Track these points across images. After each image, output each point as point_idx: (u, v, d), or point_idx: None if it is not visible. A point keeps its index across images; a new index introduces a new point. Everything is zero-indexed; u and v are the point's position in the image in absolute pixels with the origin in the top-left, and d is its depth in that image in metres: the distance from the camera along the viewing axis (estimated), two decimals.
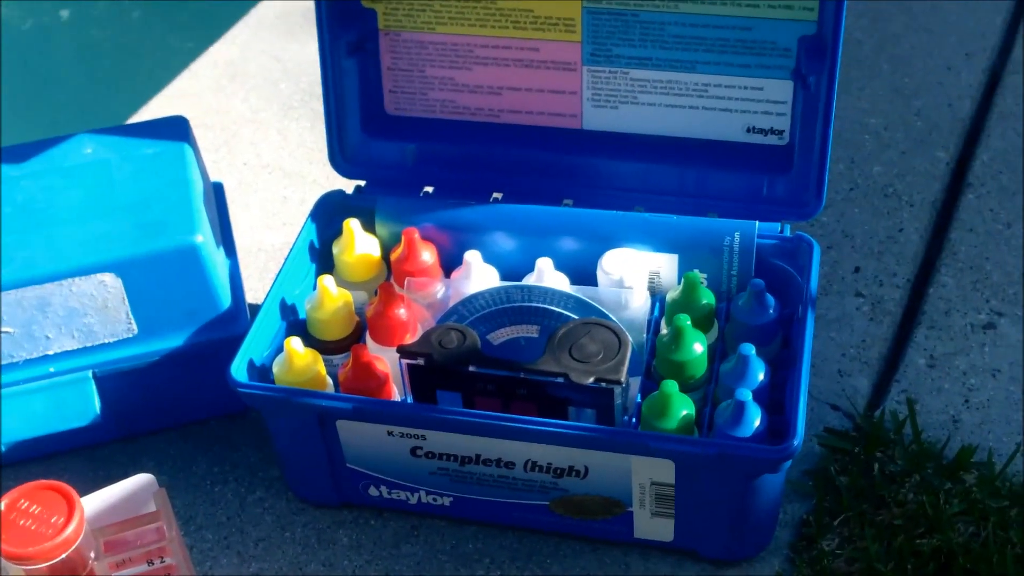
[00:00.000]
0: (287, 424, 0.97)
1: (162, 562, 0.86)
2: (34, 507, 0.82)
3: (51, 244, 0.99)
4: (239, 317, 1.03)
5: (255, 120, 1.45)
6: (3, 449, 1.06)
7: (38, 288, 0.97)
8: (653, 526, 0.96)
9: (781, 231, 1.03)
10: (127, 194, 1.03)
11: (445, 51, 1.08)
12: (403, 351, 0.92)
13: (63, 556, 0.81)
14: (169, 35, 2.03)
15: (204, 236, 0.99)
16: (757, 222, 1.02)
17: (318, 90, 1.44)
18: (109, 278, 0.98)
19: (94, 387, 1.02)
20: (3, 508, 0.82)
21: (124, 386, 1.03)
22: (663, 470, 0.91)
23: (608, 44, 1.05)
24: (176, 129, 1.10)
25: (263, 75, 1.52)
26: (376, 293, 1.04)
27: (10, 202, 1.03)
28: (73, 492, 0.82)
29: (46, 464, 1.07)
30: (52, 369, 1.01)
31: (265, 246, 1.27)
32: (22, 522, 0.81)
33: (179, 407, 1.08)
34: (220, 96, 1.48)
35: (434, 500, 0.99)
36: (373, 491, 1.00)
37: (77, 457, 1.07)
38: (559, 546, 0.99)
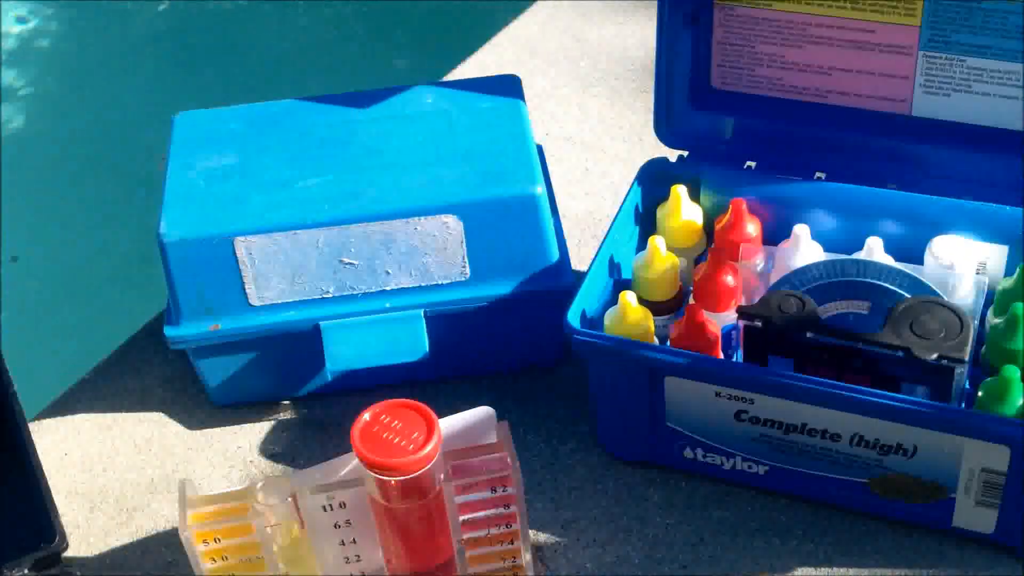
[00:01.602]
0: (613, 377, 0.99)
1: (504, 491, 0.89)
2: (395, 422, 0.85)
3: (398, 184, 1.03)
4: (565, 271, 1.06)
5: (555, 95, 1.48)
6: (329, 377, 1.10)
7: (385, 224, 1.01)
8: (974, 516, 0.95)
9: None
10: (467, 143, 1.07)
11: (778, 28, 1.09)
12: (742, 312, 0.93)
13: (420, 472, 0.84)
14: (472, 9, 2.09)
15: (542, 188, 1.02)
16: None
17: (617, 69, 1.48)
18: (451, 220, 1.02)
19: (424, 326, 1.05)
20: (367, 419, 0.86)
21: (450, 328, 1.07)
22: (997, 456, 0.90)
23: (948, 30, 1.04)
24: (510, 86, 1.14)
25: (563, 52, 1.55)
26: (694, 261, 1.06)
27: (357, 143, 1.07)
28: (432, 413, 0.86)
29: (367, 396, 1.11)
30: (388, 304, 1.05)
31: (568, 213, 1.30)
32: (384, 435, 0.85)
33: (496, 355, 1.11)
34: (521, 70, 1.51)
35: (749, 467, 1.00)
36: (688, 453, 1.01)
37: (395, 394, 1.10)
38: (871, 526, 0.99)
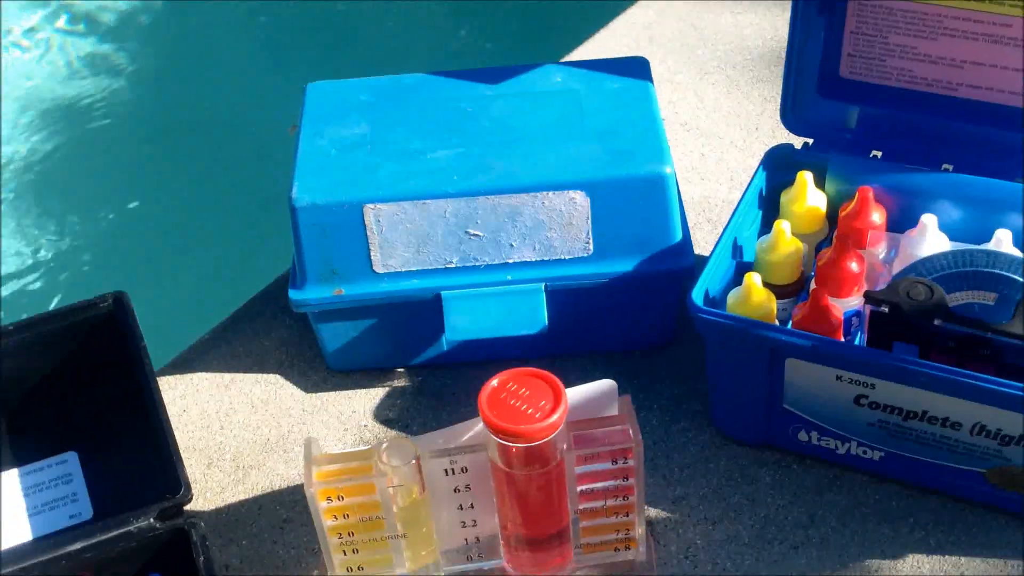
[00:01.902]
0: (733, 356, 0.99)
1: (624, 463, 0.90)
2: (523, 390, 0.87)
3: (527, 159, 1.04)
4: (687, 251, 1.07)
5: (672, 81, 1.49)
6: (445, 348, 1.11)
7: (513, 197, 1.03)
8: None
9: None
10: (596, 122, 1.08)
11: (912, 19, 1.09)
12: (870, 297, 0.93)
13: (544, 440, 0.86)
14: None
15: (671, 168, 1.03)
16: None
17: (734, 58, 1.48)
18: (579, 196, 1.02)
19: (544, 299, 1.06)
20: (495, 385, 0.87)
21: (568, 303, 1.08)
22: None
23: None
24: (638, 68, 1.14)
25: (680, 40, 1.55)
26: (815, 248, 1.06)
27: (486, 118, 1.09)
28: (560, 383, 0.87)
29: (480, 369, 1.12)
30: (509, 277, 1.06)
31: (684, 198, 1.30)
32: (511, 402, 0.86)
33: (611, 333, 1.12)
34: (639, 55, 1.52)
35: (863, 453, 1.00)
36: (803, 436, 1.02)
37: (508, 368, 1.11)
38: (984, 517, 0.99)
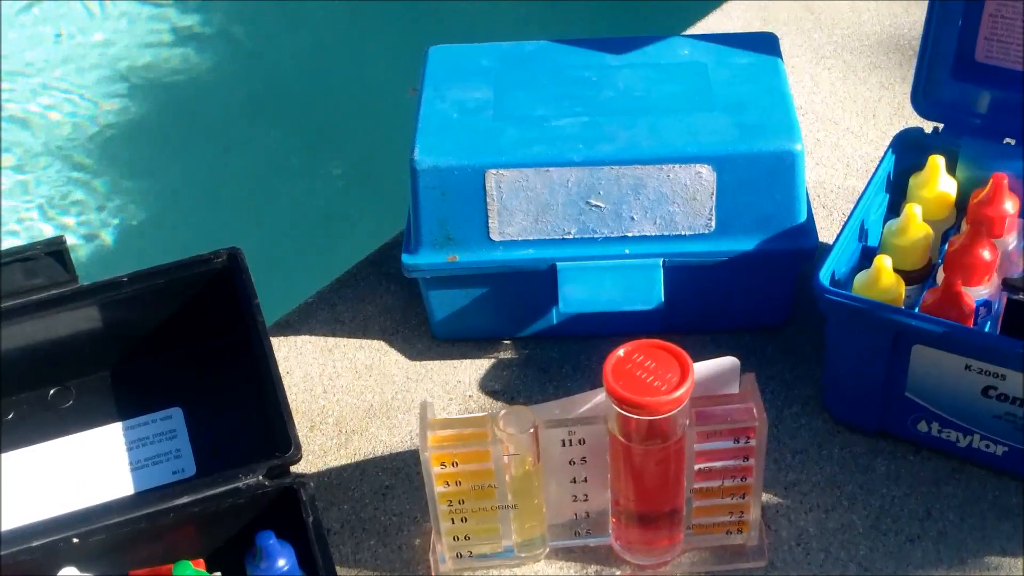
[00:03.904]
0: (857, 340, 0.97)
1: (747, 441, 0.88)
2: (649, 362, 0.85)
3: (653, 131, 1.02)
4: (811, 231, 1.04)
5: (787, 64, 1.45)
6: (555, 320, 1.10)
7: (638, 168, 1.01)
8: None
9: None
10: (724, 95, 1.05)
11: None
12: (1008, 284, 0.91)
13: (669, 413, 0.84)
14: None
15: (801, 145, 1.00)
16: None
17: (851, 43, 1.45)
18: (706, 170, 1.00)
19: (661, 275, 1.04)
20: (621, 355, 0.85)
21: (685, 280, 1.06)
22: None
23: None
24: (767, 43, 1.12)
25: (795, 23, 1.53)
26: (943, 234, 1.03)
27: (611, 87, 1.07)
28: (687, 356, 0.85)
29: (587, 343, 1.11)
30: (627, 251, 1.04)
31: None
32: (637, 373, 0.84)
33: (726, 312, 1.10)
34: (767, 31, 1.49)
35: (986, 447, 0.97)
36: (922, 426, 0.99)
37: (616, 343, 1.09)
38: None
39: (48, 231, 2.14)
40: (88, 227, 2.11)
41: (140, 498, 0.95)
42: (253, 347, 0.99)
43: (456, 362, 1.13)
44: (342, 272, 1.25)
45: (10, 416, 1.03)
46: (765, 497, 0.99)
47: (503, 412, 0.87)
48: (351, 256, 1.28)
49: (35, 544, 0.88)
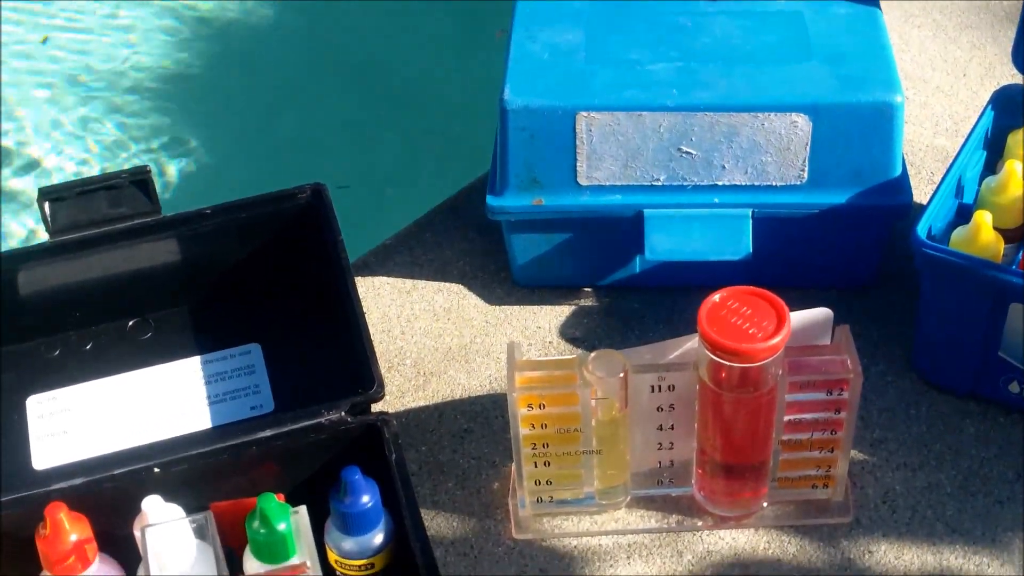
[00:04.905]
0: (953, 298, 0.95)
1: (840, 394, 0.86)
2: (745, 308, 0.83)
3: (749, 78, 1.00)
4: (906, 187, 1.02)
5: None
6: (637, 269, 1.08)
7: (732, 116, 0.99)
8: None
9: None
10: (822, 45, 1.03)
11: None
12: None
13: (766, 361, 0.82)
14: None
15: (902, 97, 0.98)
16: None
17: (941, 2, 1.42)
18: (801, 120, 0.98)
19: (750, 226, 1.03)
20: (716, 301, 0.83)
21: (774, 233, 1.04)
22: None
23: None
24: None
25: None
26: None
27: (706, 33, 1.05)
28: (784, 304, 0.83)
29: (668, 295, 1.10)
30: (716, 200, 1.02)
31: None
32: (732, 319, 0.82)
33: (813, 267, 1.08)
34: None
35: None
36: (1014, 387, 0.97)
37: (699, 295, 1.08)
38: None
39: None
40: (156, 164, 2.11)
41: (222, 431, 0.95)
42: (335, 285, 0.98)
43: (536, 308, 1.12)
44: (420, 215, 1.24)
45: (88, 346, 1.03)
46: (851, 454, 0.98)
47: (593, 355, 0.86)
48: (428, 199, 1.26)
49: (117, 472, 0.88)
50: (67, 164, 2.14)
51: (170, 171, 2.11)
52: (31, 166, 2.14)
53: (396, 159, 2.02)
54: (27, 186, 2.08)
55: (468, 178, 1.28)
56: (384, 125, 2.07)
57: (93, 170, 2.11)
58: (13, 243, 1.96)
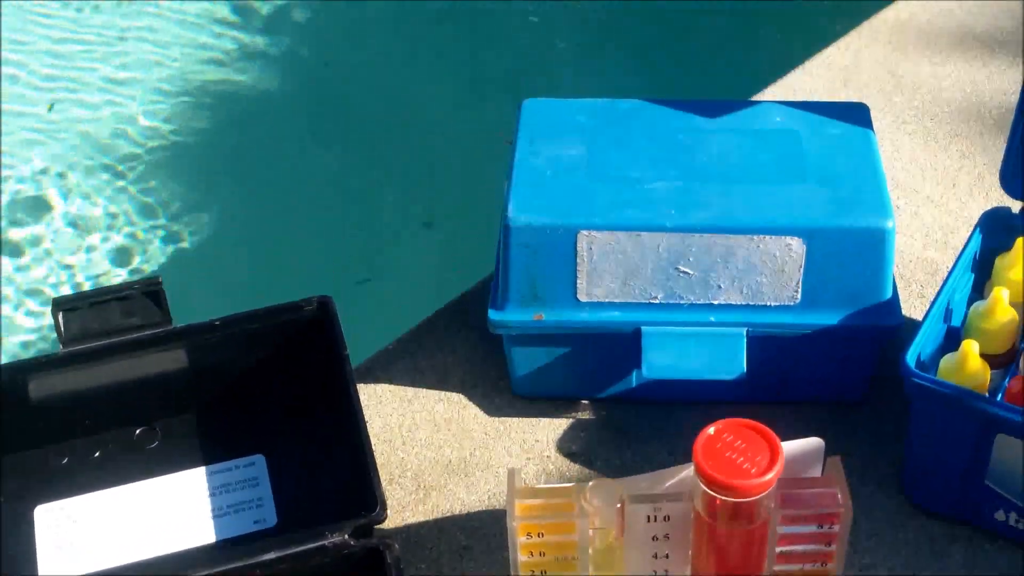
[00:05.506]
0: (940, 425, 0.97)
1: (830, 528, 0.88)
2: (738, 442, 0.85)
3: (746, 199, 1.03)
4: (896, 309, 1.05)
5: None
6: (634, 384, 1.10)
7: (729, 237, 1.01)
8: None
9: None
10: (817, 166, 1.06)
11: None
12: None
13: (758, 497, 0.84)
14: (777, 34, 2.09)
15: (892, 222, 1.01)
16: None
17: (932, 109, 1.46)
18: (796, 243, 1.01)
19: (744, 345, 1.05)
20: (711, 434, 0.85)
21: (767, 351, 1.06)
22: None
23: None
24: (860, 114, 1.13)
25: (876, 86, 1.53)
26: None
27: (705, 152, 1.08)
28: (777, 439, 0.85)
29: (665, 409, 1.11)
30: (712, 319, 1.05)
31: None
32: (727, 453, 0.84)
33: (804, 384, 1.10)
34: (834, 98, 1.49)
35: None
36: (1000, 515, 0.99)
37: (696, 411, 1.09)
38: None
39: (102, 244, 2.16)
40: (142, 244, 2.14)
41: (225, 551, 0.96)
42: (340, 399, 1.00)
43: (534, 420, 1.14)
44: (421, 319, 1.26)
45: (96, 454, 1.05)
46: None
47: (591, 484, 0.88)
48: (431, 303, 1.28)
49: None
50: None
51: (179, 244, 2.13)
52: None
53: (398, 261, 2.05)
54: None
55: (471, 280, 1.30)
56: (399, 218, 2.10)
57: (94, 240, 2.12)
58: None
